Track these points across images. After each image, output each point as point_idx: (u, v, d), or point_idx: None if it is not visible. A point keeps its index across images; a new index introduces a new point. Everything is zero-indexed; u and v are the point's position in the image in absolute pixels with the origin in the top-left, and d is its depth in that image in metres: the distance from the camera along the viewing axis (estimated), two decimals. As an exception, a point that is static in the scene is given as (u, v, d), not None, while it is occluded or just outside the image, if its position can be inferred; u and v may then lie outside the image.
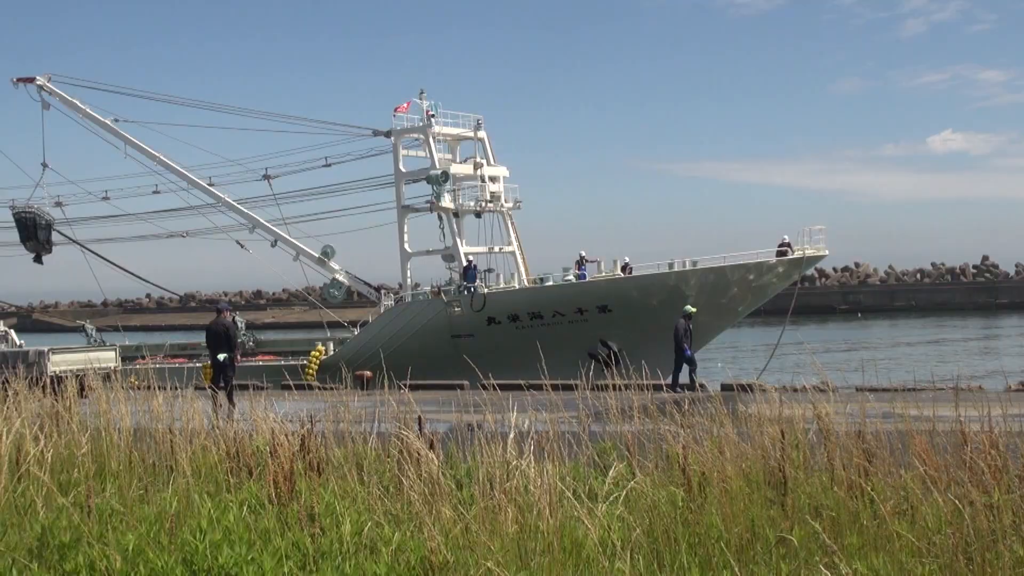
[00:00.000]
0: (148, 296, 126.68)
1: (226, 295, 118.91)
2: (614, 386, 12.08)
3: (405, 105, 45.55)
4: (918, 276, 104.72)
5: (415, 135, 46.18)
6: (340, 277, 47.95)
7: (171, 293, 71.23)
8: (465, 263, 43.31)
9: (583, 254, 43.65)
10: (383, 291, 48.11)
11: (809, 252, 40.55)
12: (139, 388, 13.97)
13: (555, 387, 11.89)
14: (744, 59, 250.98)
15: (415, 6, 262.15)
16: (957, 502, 7.70)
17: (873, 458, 9.08)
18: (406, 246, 45.94)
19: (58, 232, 50.04)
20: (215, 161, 62.14)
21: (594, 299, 40.85)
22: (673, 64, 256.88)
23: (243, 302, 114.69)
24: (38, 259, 50.01)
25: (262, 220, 48.64)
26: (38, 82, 49.84)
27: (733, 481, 8.65)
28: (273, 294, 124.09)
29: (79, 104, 50.04)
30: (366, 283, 49.79)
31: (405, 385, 13.65)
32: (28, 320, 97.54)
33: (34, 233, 48.69)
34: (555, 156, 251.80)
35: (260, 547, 7.95)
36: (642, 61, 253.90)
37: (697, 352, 42.64)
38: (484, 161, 45.84)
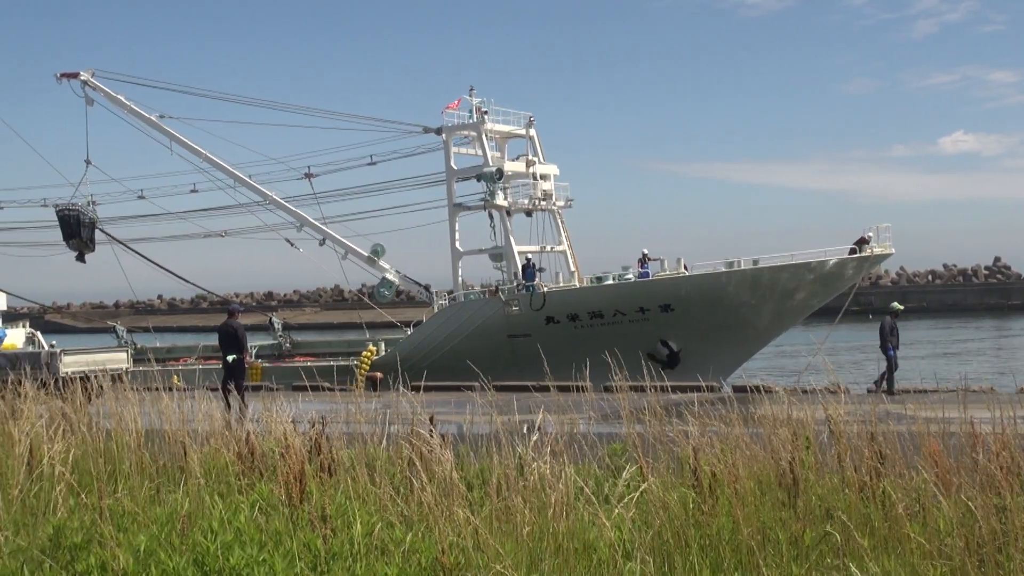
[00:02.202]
0: (160, 297, 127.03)
1: (237, 296, 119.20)
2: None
3: (455, 103, 45.13)
4: (929, 277, 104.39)
5: (465, 132, 45.63)
6: (390, 276, 47.14)
7: (212, 294, 70.77)
8: (523, 261, 42.69)
9: (646, 252, 42.66)
10: (435, 291, 47.45)
11: (877, 250, 39.86)
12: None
13: (568, 388, 11.89)
14: (753, 60, 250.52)
15: (416, 6, 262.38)
16: (971, 503, 7.68)
17: (884, 460, 9.06)
18: (457, 245, 45.22)
19: (100, 230, 49.29)
20: (256, 159, 61.53)
21: (657, 298, 39.82)
22: (681, 65, 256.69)
23: (254, 303, 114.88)
24: (80, 257, 49.18)
25: (310, 218, 47.95)
26: (82, 77, 49.26)
27: (744, 483, 8.64)
28: (284, 295, 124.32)
29: (124, 100, 49.38)
30: (416, 282, 48.83)
31: (416, 387, 13.64)
32: (39, 321, 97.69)
33: (77, 231, 47.91)
34: (560, 156, 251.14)
35: (271, 548, 7.96)
36: (649, 62, 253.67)
37: (756, 354, 41.80)
38: (536, 159, 45.29)
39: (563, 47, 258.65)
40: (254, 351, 48.32)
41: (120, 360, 33.20)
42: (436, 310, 44.48)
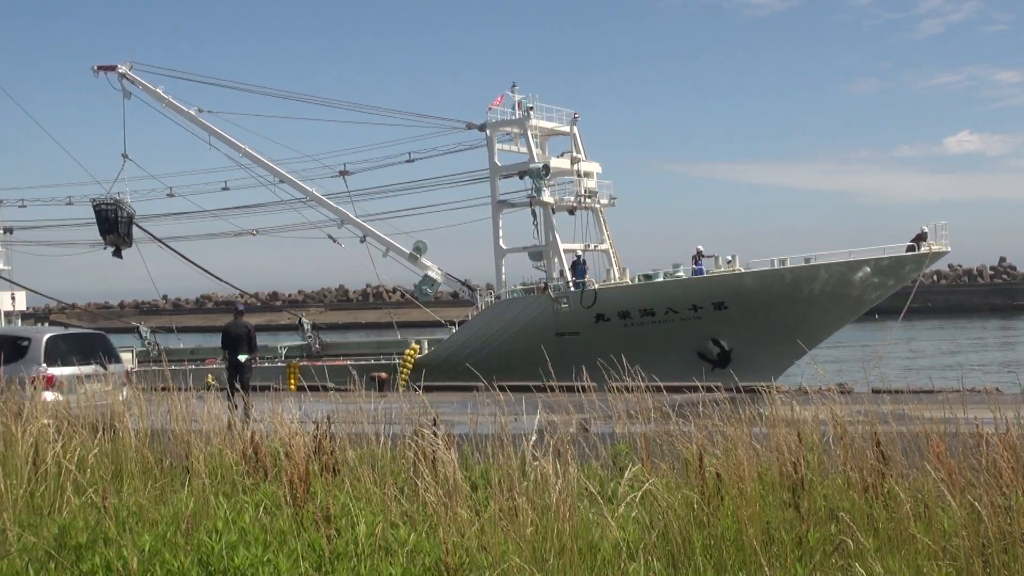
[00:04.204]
0: (165, 297, 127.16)
1: (242, 296, 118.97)
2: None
3: (499, 99, 44.72)
4: (934, 278, 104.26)
5: (509, 129, 45.21)
6: (432, 274, 46.52)
7: (244, 293, 70.57)
8: (573, 258, 42.31)
9: (700, 248, 42.03)
10: (478, 289, 46.78)
11: (935, 248, 39.48)
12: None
13: (572, 389, 11.89)
14: (758, 60, 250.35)
15: (416, 5, 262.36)
16: (977, 504, 7.67)
17: (888, 460, 9.06)
18: (501, 243, 44.76)
19: (137, 226, 48.72)
20: (291, 156, 60.74)
21: (710, 295, 39.20)
22: (683, 65, 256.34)
23: (259, 303, 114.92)
24: (117, 253, 48.60)
25: (352, 215, 47.40)
26: (120, 70, 48.74)
27: (748, 483, 8.64)
28: (288, 295, 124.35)
29: (162, 93, 48.84)
30: (459, 280, 48.21)
31: (419, 387, 13.65)
32: (44, 321, 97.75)
33: (115, 226, 47.32)
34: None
35: (276, 548, 7.97)
36: (654, 62, 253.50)
37: (808, 353, 41.34)
38: (580, 156, 44.86)
39: (564, 47, 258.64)
40: (283, 351, 48.31)
41: (125, 360, 33.25)
42: (481, 308, 43.90)
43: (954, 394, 10.96)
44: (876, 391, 12.64)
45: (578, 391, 12.01)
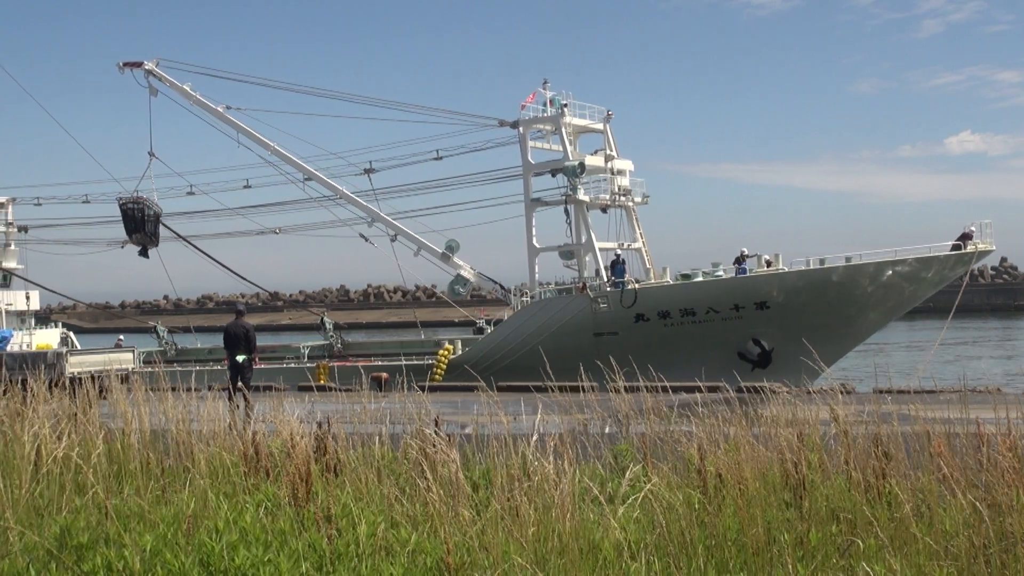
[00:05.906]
0: (166, 298, 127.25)
1: (243, 296, 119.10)
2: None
3: (531, 96, 44.16)
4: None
5: (541, 126, 44.69)
6: (465, 273, 46.00)
7: (270, 292, 70.21)
8: (613, 257, 41.87)
9: (744, 251, 41.47)
10: (513, 288, 46.42)
11: (980, 247, 39.38)
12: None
13: (571, 389, 11.88)
14: (760, 60, 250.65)
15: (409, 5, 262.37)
16: (978, 504, 7.66)
17: (890, 460, 9.04)
18: (534, 241, 44.22)
19: (164, 225, 48.32)
20: (316, 153, 59.29)
21: (752, 295, 38.76)
22: (688, 66, 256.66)
23: (260, 304, 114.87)
24: (143, 252, 48.21)
25: (381, 213, 46.89)
26: (146, 67, 48.26)
27: (749, 483, 8.63)
28: (290, 296, 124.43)
29: (189, 90, 48.29)
30: (492, 279, 47.54)
31: (421, 387, 13.64)
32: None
33: (141, 225, 46.84)
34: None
35: (277, 548, 7.97)
36: (657, 63, 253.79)
37: (848, 353, 40.34)
38: (613, 154, 44.42)
39: (568, 46, 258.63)
40: (306, 351, 48.10)
41: (126, 360, 33.31)
42: (517, 307, 43.47)
43: (955, 394, 10.95)
44: (878, 391, 12.63)
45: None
